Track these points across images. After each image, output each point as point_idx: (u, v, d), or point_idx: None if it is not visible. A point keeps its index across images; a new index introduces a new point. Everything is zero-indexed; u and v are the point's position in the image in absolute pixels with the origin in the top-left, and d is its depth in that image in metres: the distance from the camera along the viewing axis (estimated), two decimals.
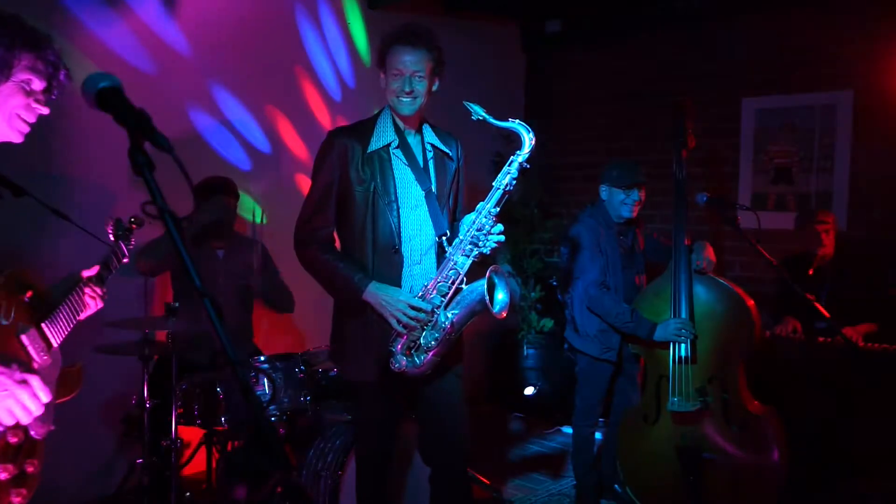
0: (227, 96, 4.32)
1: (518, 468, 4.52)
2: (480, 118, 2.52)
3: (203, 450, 3.64)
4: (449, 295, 2.54)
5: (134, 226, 2.47)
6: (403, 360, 2.57)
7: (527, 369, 5.52)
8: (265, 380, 3.27)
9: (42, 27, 1.80)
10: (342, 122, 4.92)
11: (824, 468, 3.73)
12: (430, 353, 2.55)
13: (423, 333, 2.55)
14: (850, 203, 4.58)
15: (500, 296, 2.56)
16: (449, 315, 2.53)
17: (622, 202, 3.59)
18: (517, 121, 2.55)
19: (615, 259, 3.60)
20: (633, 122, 5.54)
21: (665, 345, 3.38)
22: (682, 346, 3.35)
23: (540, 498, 4.08)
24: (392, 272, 2.60)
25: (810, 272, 3.73)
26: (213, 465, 3.60)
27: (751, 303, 3.37)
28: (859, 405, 3.73)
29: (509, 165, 2.54)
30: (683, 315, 3.36)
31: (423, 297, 2.55)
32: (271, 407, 3.27)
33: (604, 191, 3.66)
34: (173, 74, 4.05)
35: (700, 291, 3.41)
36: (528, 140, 2.53)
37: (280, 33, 4.55)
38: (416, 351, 2.57)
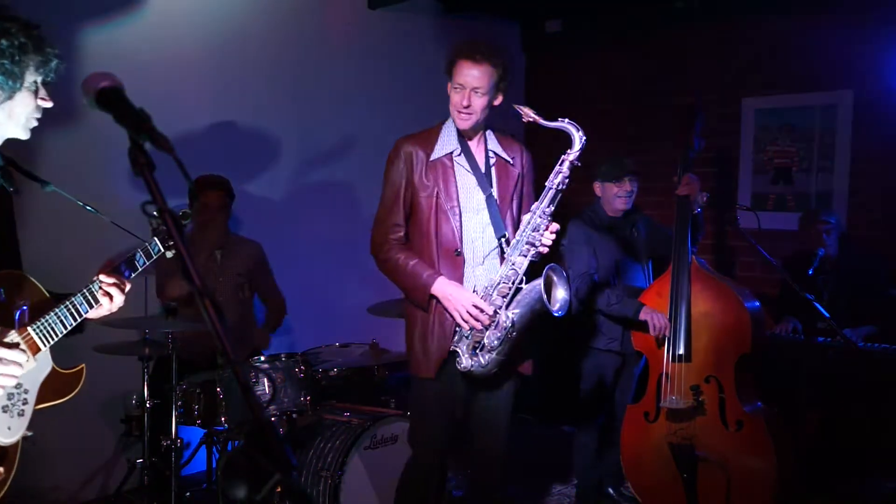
0: (227, 96, 4.32)
1: (518, 467, 4.51)
2: (532, 120, 2.64)
3: (203, 450, 3.65)
4: (509, 295, 2.61)
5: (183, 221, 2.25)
6: (469, 360, 2.62)
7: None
8: (265, 380, 3.27)
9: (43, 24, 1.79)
10: (342, 122, 4.95)
11: (824, 468, 3.73)
12: (494, 353, 2.60)
13: (486, 333, 2.60)
14: (850, 203, 4.58)
15: (560, 294, 2.60)
16: (510, 315, 2.58)
17: (616, 195, 3.65)
18: (566, 120, 2.68)
19: (610, 253, 3.65)
20: (633, 122, 5.54)
21: (664, 343, 3.40)
22: (679, 344, 3.37)
23: (540, 498, 4.08)
24: (455, 273, 2.68)
25: (810, 272, 3.74)
26: (213, 465, 3.60)
27: (752, 303, 3.37)
28: (859, 405, 3.73)
29: (560, 164, 2.65)
30: (682, 315, 3.37)
31: (484, 299, 2.62)
32: (271, 407, 3.27)
33: (598, 187, 3.71)
34: (173, 74, 4.05)
35: (699, 290, 3.41)
36: (579, 138, 2.65)
37: (281, 33, 4.55)
38: (480, 351, 2.62)
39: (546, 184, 2.66)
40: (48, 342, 1.84)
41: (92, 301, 1.91)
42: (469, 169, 2.71)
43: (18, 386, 1.82)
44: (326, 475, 3.10)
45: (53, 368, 1.92)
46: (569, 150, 2.65)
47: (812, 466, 3.62)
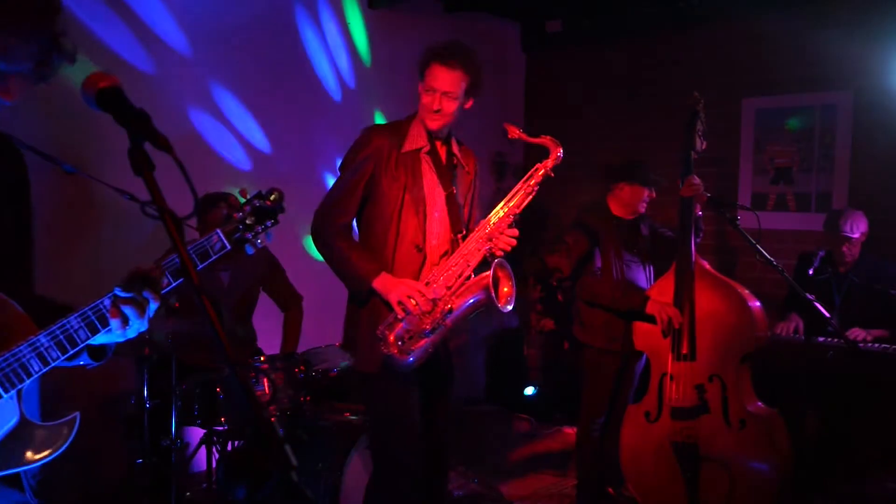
0: (227, 96, 4.31)
1: (518, 468, 4.52)
2: (517, 137, 2.70)
3: (203, 450, 3.64)
4: (454, 287, 2.56)
5: (269, 202, 1.62)
6: (391, 347, 2.53)
7: (527, 369, 5.52)
8: (265, 380, 3.27)
9: None
10: (342, 123, 4.94)
11: (824, 468, 3.72)
12: (424, 342, 2.52)
13: (420, 319, 2.53)
14: (850, 203, 4.58)
15: (506, 289, 2.56)
16: (449, 306, 2.53)
17: (642, 200, 3.68)
18: (549, 137, 2.73)
19: (613, 252, 3.65)
20: (633, 122, 5.54)
21: (668, 342, 3.40)
22: (683, 343, 3.36)
23: (540, 497, 4.08)
24: (412, 268, 2.64)
25: (810, 272, 3.73)
26: (213, 465, 3.60)
27: (755, 303, 3.37)
28: (859, 405, 3.73)
29: (535, 171, 2.68)
30: (686, 315, 3.37)
31: (430, 285, 2.57)
32: (271, 407, 3.27)
33: (622, 187, 3.68)
34: (173, 74, 4.05)
35: (702, 290, 3.41)
36: (557, 153, 2.70)
37: (280, 33, 4.55)
38: (409, 339, 2.54)
39: (517, 186, 2.68)
40: (7, 388, 1.39)
41: (96, 324, 1.46)
42: (434, 168, 2.71)
43: None
44: (326, 475, 3.10)
45: (23, 420, 1.44)
46: (546, 160, 2.70)
47: (812, 466, 3.62)
